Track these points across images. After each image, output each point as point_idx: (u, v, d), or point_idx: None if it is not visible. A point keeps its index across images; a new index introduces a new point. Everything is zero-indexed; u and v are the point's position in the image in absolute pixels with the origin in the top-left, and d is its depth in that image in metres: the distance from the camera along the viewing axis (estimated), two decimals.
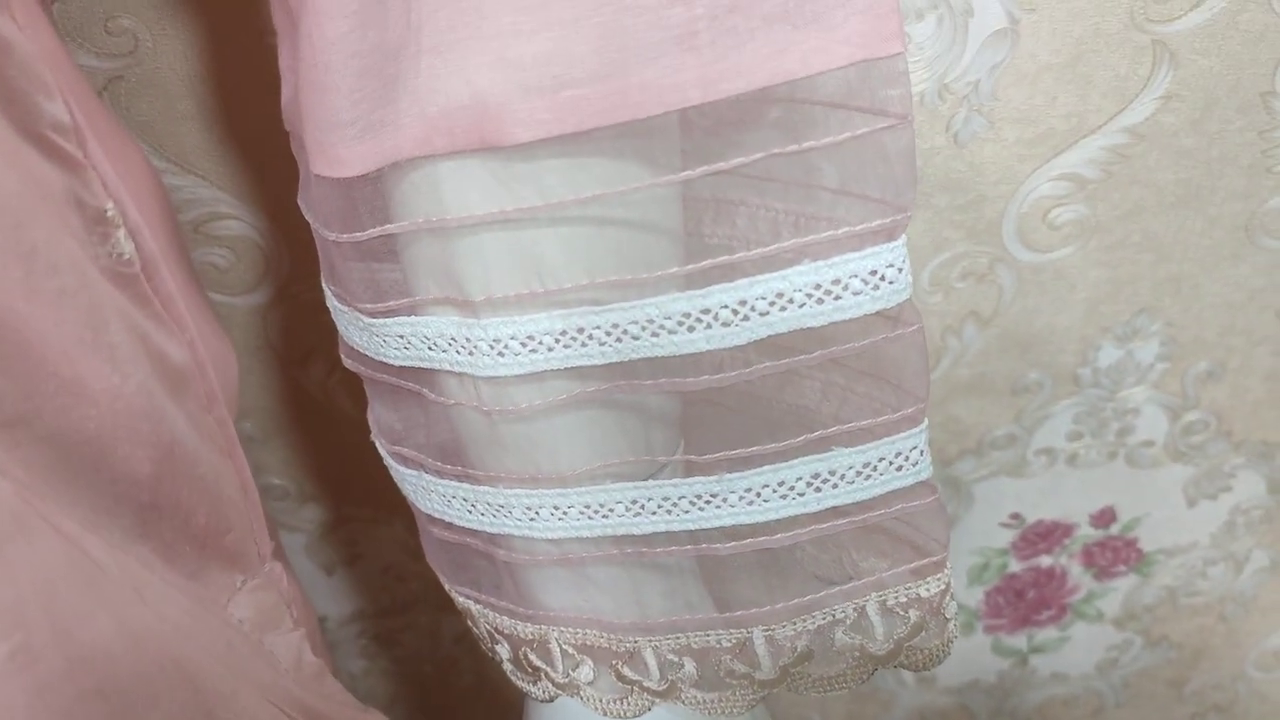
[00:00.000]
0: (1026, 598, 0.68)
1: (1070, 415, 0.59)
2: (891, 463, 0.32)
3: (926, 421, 0.32)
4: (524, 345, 0.30)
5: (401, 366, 0.33)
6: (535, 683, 0.37)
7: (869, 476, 0.32)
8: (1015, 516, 0.64)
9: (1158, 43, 0.46)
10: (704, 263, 0.29)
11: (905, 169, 0.29)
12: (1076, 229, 0.52)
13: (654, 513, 0.33)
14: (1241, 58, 0.47)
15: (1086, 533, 0.65)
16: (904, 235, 0.29)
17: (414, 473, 0.36)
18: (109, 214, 0.25)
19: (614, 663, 0.35)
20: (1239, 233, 0.54)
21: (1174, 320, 0.56)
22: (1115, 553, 0.66)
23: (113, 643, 0.20)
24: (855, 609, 0.34)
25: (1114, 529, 0.65)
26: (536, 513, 0.34)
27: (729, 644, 0.34)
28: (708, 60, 0.27)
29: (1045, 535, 0.64)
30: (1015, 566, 0.66)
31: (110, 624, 0.20)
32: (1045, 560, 0.66)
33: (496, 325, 0.30)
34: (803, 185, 0.32)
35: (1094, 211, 0.52)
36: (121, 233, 0.26)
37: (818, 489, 0.32)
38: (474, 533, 0.36)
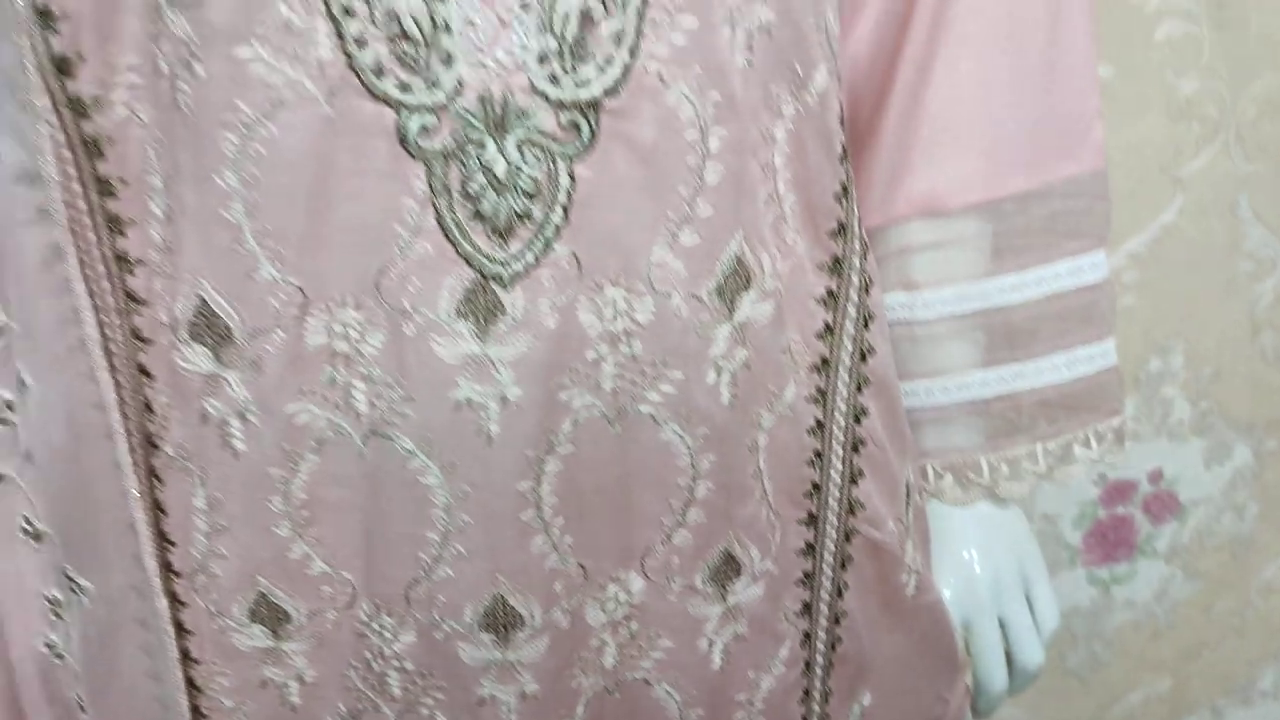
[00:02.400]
0: (1109, 539, 1.04)
1: (1131, 405, 0.98)
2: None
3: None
4: None
5: None
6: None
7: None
8: (1101, 476, 1.01)
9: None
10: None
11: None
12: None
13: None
14: None
15: (1145, 488, 1.02)
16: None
17: None
18: None
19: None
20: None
21: (1191, 340, 0.96)
22: (1163, 503, 1.03)
23: None
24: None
25: (1161, 485, 1.02)
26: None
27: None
28: None
29: (1121, 490, 1.02)
30: (1101, 514, 1.03)
31: None
32: (1120, 509, 1.03)
33: None
34: None
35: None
36: None
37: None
38: None
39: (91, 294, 0.46)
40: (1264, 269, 0.93)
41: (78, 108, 0.43)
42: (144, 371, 0.48)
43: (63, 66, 0.42)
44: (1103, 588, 1.07)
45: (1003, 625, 0.71)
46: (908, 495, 0.62)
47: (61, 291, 0.46)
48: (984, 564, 0.69)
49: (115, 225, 0.46)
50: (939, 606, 0.65)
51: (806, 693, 0.60)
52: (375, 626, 0.50)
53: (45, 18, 0.42)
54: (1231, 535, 1.07)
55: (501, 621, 0.49)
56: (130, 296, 0.47)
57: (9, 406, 0.49)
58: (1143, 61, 0.84)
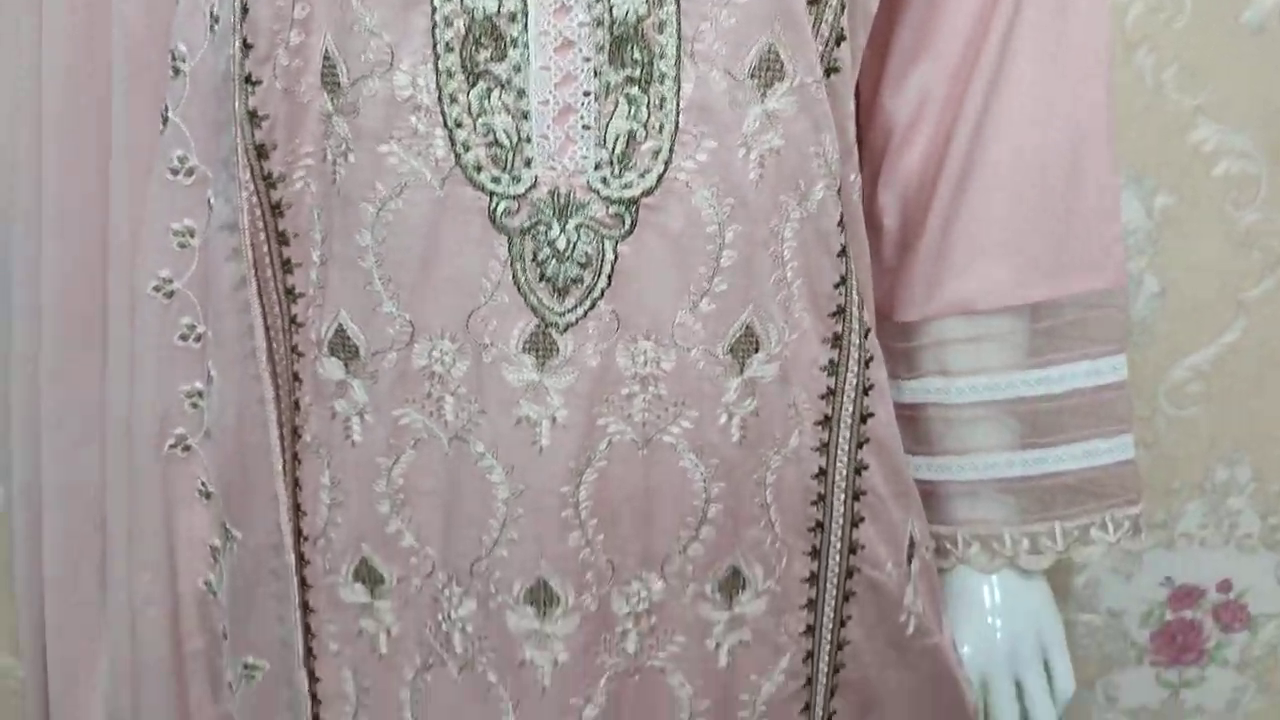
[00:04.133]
0: (1176, 641, 1.08)
1: (1198, 513, 1.03)
2: None
3: None
4: None
5: None
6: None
7: None
8: (1168, 579, 1.06)
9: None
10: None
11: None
12: None
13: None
14: None
15: (1213, 596, 1.06)
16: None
17: None
18: None
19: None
20: None
21: (1257, 455, 1.01)
22: (1232, 613, 1.07)
23: None
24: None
25: (1230, 595, 1.06)
26: None
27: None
28: None
29: (1188, 595, 1.06)
30: (1169, 616, 1.07)
31: None
32: (1188, 614, 1.07)
33: None
34: None
35: None
36: None
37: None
38: None
39: (265, 315, 0.62)
40: None
41: (269, 180, 0.60)
42: (296, 377, 0.64)
43: (261, 151, 0.60)
44: (1172, 690, 1.11)
45: (1019, 687, 0.79)
46: (911, 548, 0.72)
47: (243, 311, 0.63)
48: (1004, 628, 0.77)
49: (286, 266, 0.62)
50: (943, 652, 0.74)
51: (808, 706, 0.70)
52: (446, 594, 0.63)
53: (253, 117, 0.59)
54: None
55: (542, 598, 0.62)
56: (293, 320, 0.63)
57: (200, 394, 0.66)
58: (1202, 193, 0.92)
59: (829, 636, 0.69)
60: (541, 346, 0.59)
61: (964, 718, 0.76)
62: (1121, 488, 0.77)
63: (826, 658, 0.69)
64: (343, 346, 0.61)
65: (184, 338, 0.65)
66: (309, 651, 0.67)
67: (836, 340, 0.64)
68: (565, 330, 0.59)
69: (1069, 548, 0.78)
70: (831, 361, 0.64)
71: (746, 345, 0.61)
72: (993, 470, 0.77)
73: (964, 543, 0.78)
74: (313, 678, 0.68)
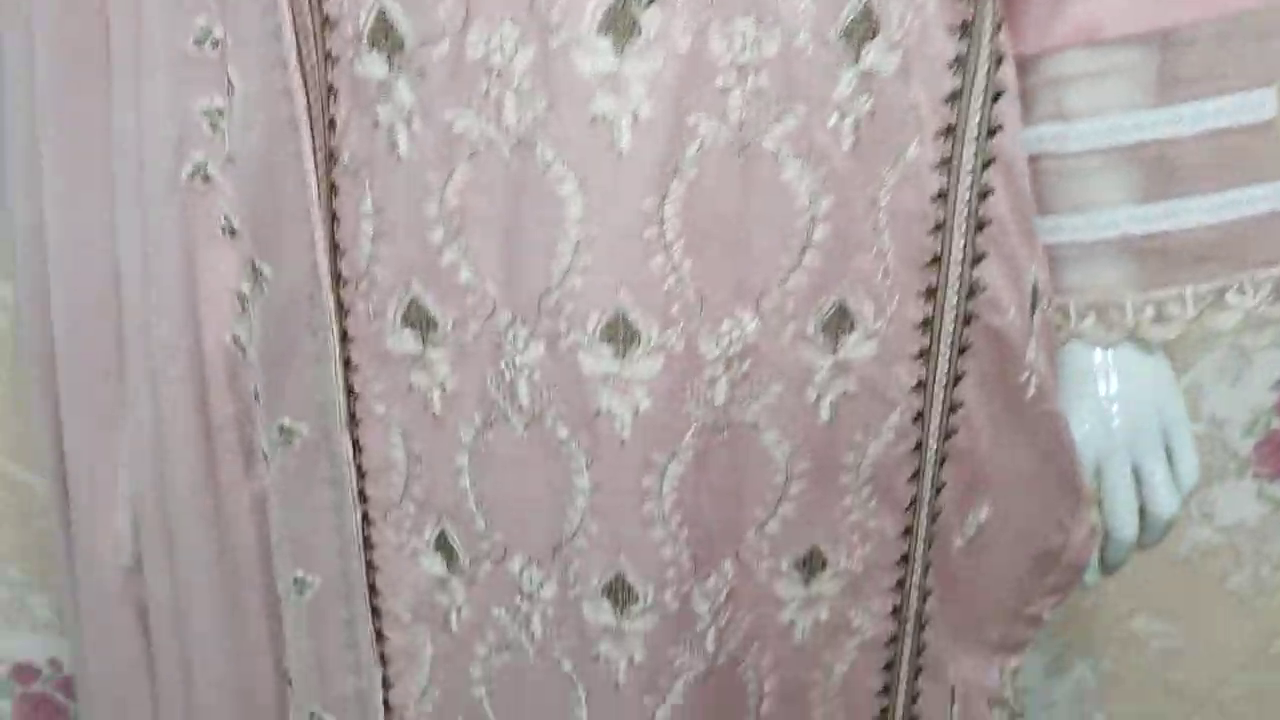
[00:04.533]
0: None
1: None
2: None
3: None
4: None
5: None
6: None
7: None
8: (1278, 382, 0.97)
9: None
10: None
11: None
12: None
13: None
14: None
15: None
16: None
17: None
18: None
19: None
20: None
21: None
22: None
23: None
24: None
25: None
26: None
27: None
28: None
29: None
30: (1276, 424, 0.99)
31: None
32: None
33: None
34: None
35: None
36: None
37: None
38: None
39: (293, 12, 0.53)
40: None
41: None
42: (330, 90, 0.55)
43: None
44: (1274, 506, 1.03)
45: (1137, 474, 0.70)
46: (1034, 297, 0.63)
47: (268, 9, 0.53)
48: (1122, 408, 0.68)
49: None
50: (1060, 422, 0.65)
51: (917, 473, 0.62)
52: (510, 336, 0.55)
53: None
54: None
55: (620, 335, 0.53)
56: (325, 20, 0.54)
57: (220, 113, 0.57)
58: None
59: (941, 395, 0.60)
60: (620, 25, 0.49)
61: (1077, 504, 0.67)
62: (1262, 245, 0.68)
63: (938, 419, 0.61)
64: (385, 36, 0.52)
65: (199, 42, 0.56)
66: (352, 417, 0.59)
67: (965, 29, 0.54)
68: (649, 4, 0.49)
69: (1200, 315, 0.69)
70: (959, 56, 0.55)
71: (863, 27, 0.51)
72: (1112, 228, 0.68)
73: (1078, 314, 0.68)
74: (356, 447, 0.60)
